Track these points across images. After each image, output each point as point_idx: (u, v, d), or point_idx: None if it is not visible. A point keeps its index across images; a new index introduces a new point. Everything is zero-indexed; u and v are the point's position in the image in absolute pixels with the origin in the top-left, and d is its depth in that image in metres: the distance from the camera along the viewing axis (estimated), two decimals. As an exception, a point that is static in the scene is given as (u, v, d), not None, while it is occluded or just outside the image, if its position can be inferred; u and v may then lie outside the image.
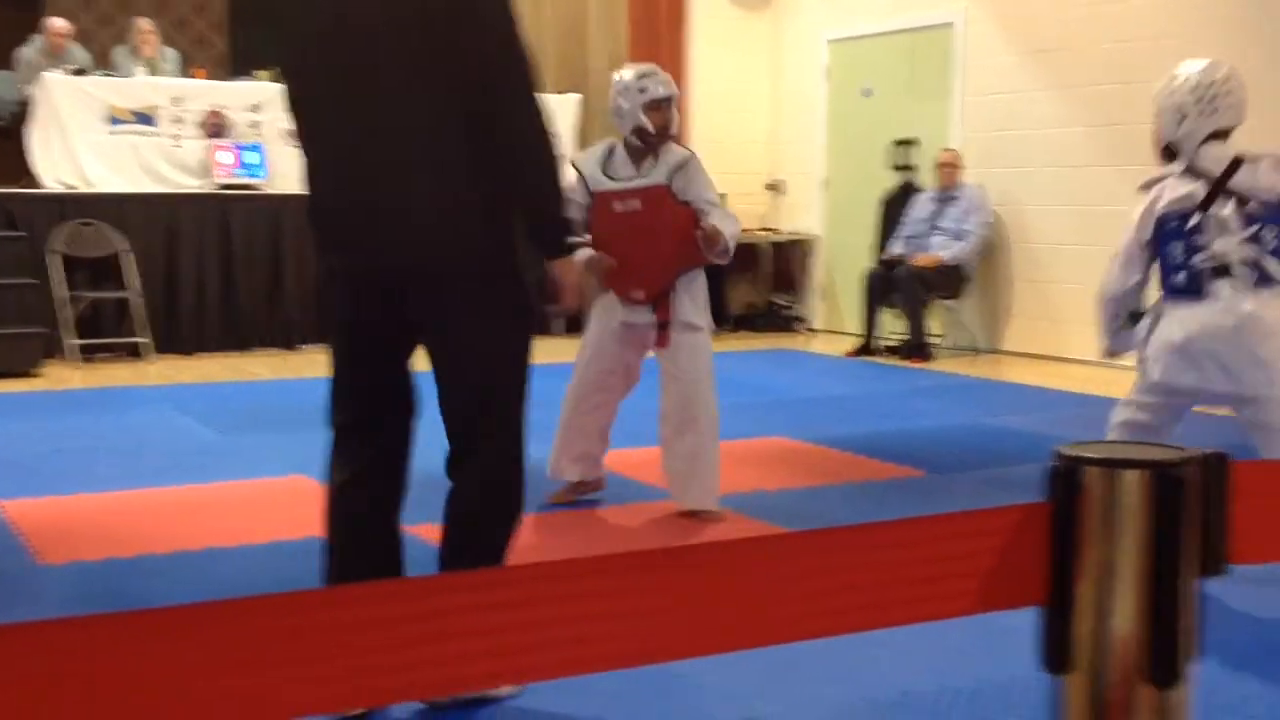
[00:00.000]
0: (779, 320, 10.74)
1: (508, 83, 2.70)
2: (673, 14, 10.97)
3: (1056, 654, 1.08)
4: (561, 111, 10.50)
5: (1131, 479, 1.08)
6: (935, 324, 9.20)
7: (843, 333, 10.19)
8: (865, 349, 9.09)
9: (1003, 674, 3.09)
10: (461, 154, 2.69)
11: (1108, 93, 8.36)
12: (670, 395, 4.59)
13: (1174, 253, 3.62)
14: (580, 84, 10.87)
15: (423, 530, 4.42)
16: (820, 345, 9.91)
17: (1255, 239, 3.56)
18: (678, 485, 4.62)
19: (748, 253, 10.87)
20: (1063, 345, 8.66)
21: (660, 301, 4.50)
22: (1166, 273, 3.68)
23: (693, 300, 4.53)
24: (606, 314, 4.62)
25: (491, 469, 2.92)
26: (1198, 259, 3.58)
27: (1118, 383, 7.59)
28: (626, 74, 4.61)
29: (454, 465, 2.95)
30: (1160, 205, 3.63)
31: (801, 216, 10.87)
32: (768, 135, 10.99)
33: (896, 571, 1.12)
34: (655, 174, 4.47)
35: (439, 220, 2.73)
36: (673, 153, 4.52)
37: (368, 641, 0.99)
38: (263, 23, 2.93)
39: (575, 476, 4.78)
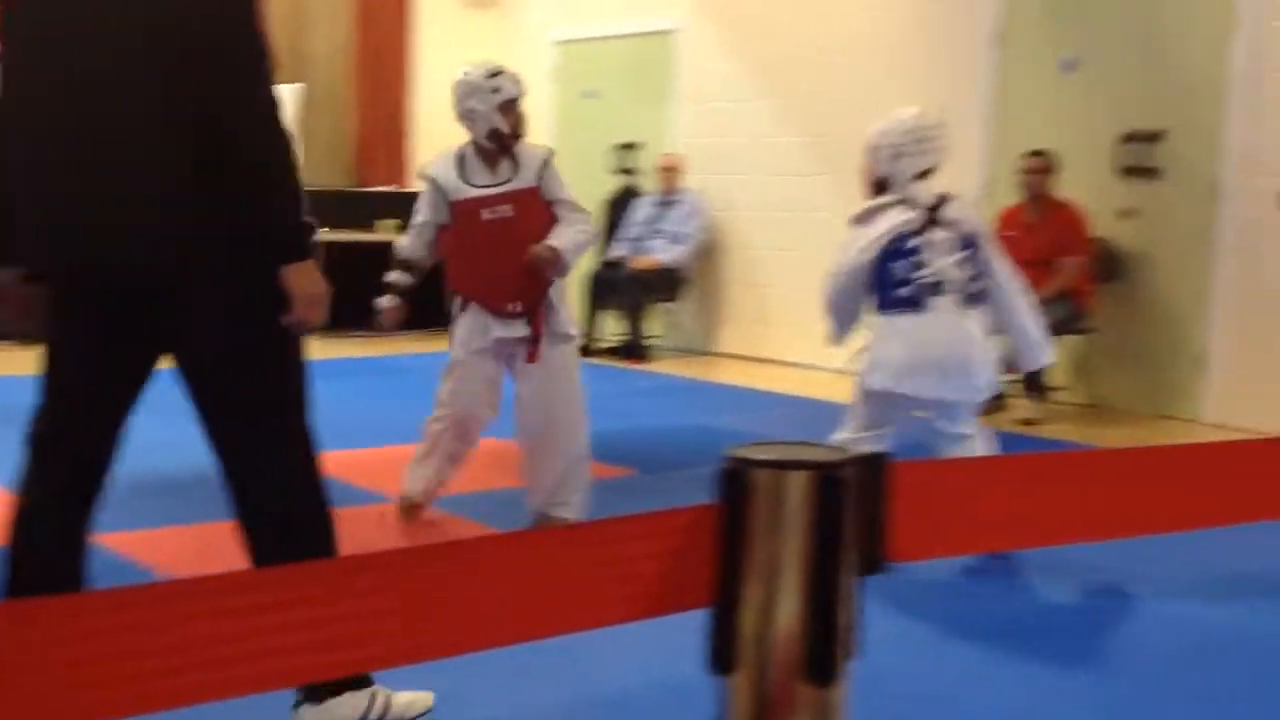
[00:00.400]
0: (503, 320, 10.70)
1: (239, 74, 2.51)
2: (397, 7, 10.79)
3: (721, 655, 1.08)
4: (283, 102, 10.17)
5: (796, 480, 1.09)
6: (654, 326, 9.35)
7: (566, 333, 10.24)
8: (585, 350, 9.15)
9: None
10: (191, 147, 2.49)
11: (819, 105, 8.67)
12: (535, 411, 4.34)
13: (898, 270, 3.99)
14: (301, 74, 10.56)
15: (114, 539, 4.18)
16: (543, 345, 9.91)
17: (965, 262, 4.02)
18: (542, 496, 4.41)
19: (472, 252, 10.79)
20: (775, 348, 8.93)
21: (535, 312, 4.26)
22: (887, 287, 4.01)
23: (564, 308, 4.33)
24: (472, 335, 4.33)
25: (289, 504, 2.68)
26: (919, 275, 3.97)
27: (827, 385, 7.89)
28: (474, 74, 4.33)
29: (241, 502, 2.70)
30: (884, 229, 4.02)
31: (526, 216, 10.86)
32: (492, 134, 10.93)
33: (568, 577, 1.10)
34: (523, 175, 4.25)
35: (175, 215, 2.49)
36: (531, 152, 4.31)
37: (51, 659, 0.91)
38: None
39: (422, 499, 4.54)
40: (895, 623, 3.55)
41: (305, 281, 2.58)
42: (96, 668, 0.95)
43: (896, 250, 3.99)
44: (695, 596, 1.12)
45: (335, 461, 5.29)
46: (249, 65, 2.53)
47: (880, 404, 4.03)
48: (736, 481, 1.11)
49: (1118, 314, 7.11)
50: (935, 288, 3.96)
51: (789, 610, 1.08)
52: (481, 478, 5.25)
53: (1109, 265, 7.04)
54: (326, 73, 10.77)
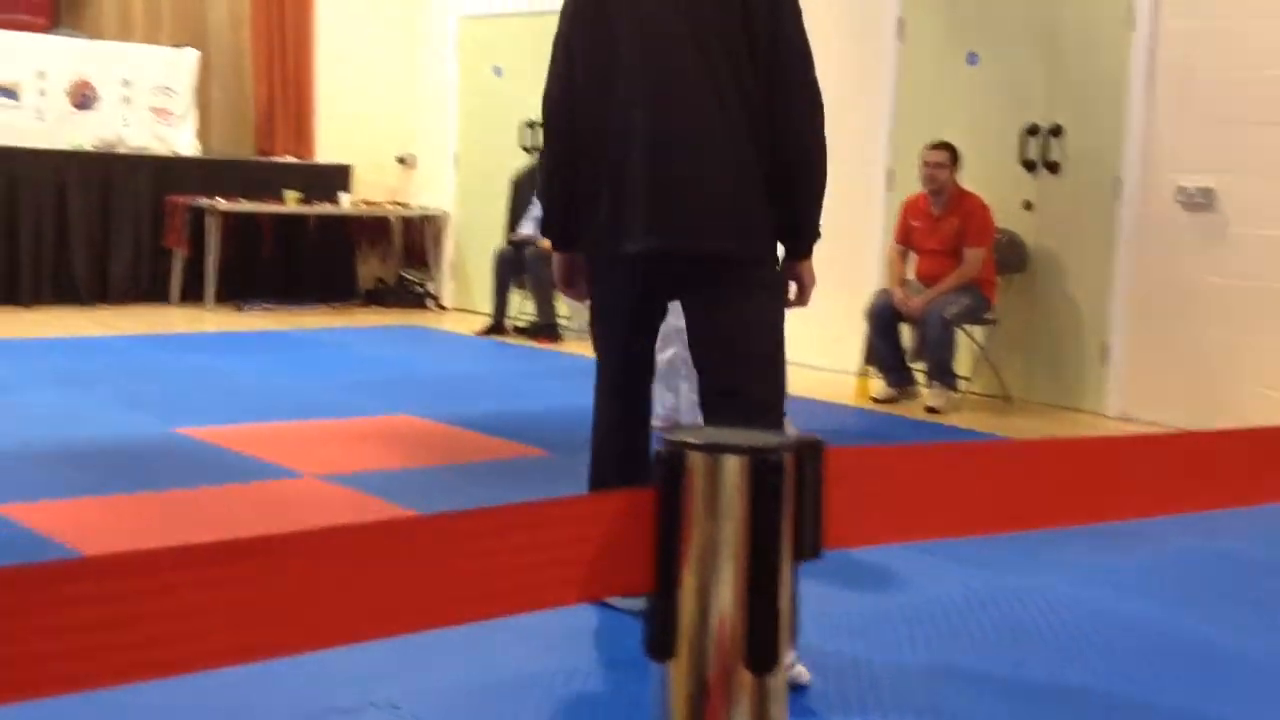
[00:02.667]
0: (409, 296, 10.60)
1: (803, 99, 3.01)
2: (301, -23, 10.60)
3: (659, 641, 1.08)
4: (179, 67, 9.95)
5: (732, 464, 1.08)
6: (563, 306, 9.32)
7: (474, 311, 10.17)
8: (495, 328, 9.10)
9: (621, 653, 3.15)
10: (758, 155, 3.00)
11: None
12: None
13: None
14: (199, 39, 10.33)
15: (16, 510, 4.07)
16: (451, 323, 9.85)
17: None
18: None
19: (378, 226, 10.66)
20: (684, 329, 8.95)
21: None
22: None
23: None
24: None
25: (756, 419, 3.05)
26: None
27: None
28: None
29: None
30: None
31: (433, 191, 10.76)
32: (398, 108, 10.79)
33: (499, 560, 1.09)
34: None
35: (749, 211, 3.01)
36: None
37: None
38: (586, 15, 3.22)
39: None
40: (828, 606, 3.58)
41: (810, 272, 3.18)
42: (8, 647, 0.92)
43: None
44: (630, 581, 1.11)
45: (247, 435, 5.23)
46: (808, 96, 3.02)
47: None
48: (673, 465, 1.10)
49: (1021, 305, 7.24)
50: None
51: (727, 596, 1.07)
52: (392, 456, 5.20)
53: (1012, 257, 7.16)
54: (227, 40, 10.55)
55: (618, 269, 3.14)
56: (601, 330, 3.32)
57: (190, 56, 10.02)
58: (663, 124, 2.99)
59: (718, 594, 1.08)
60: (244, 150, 10.55)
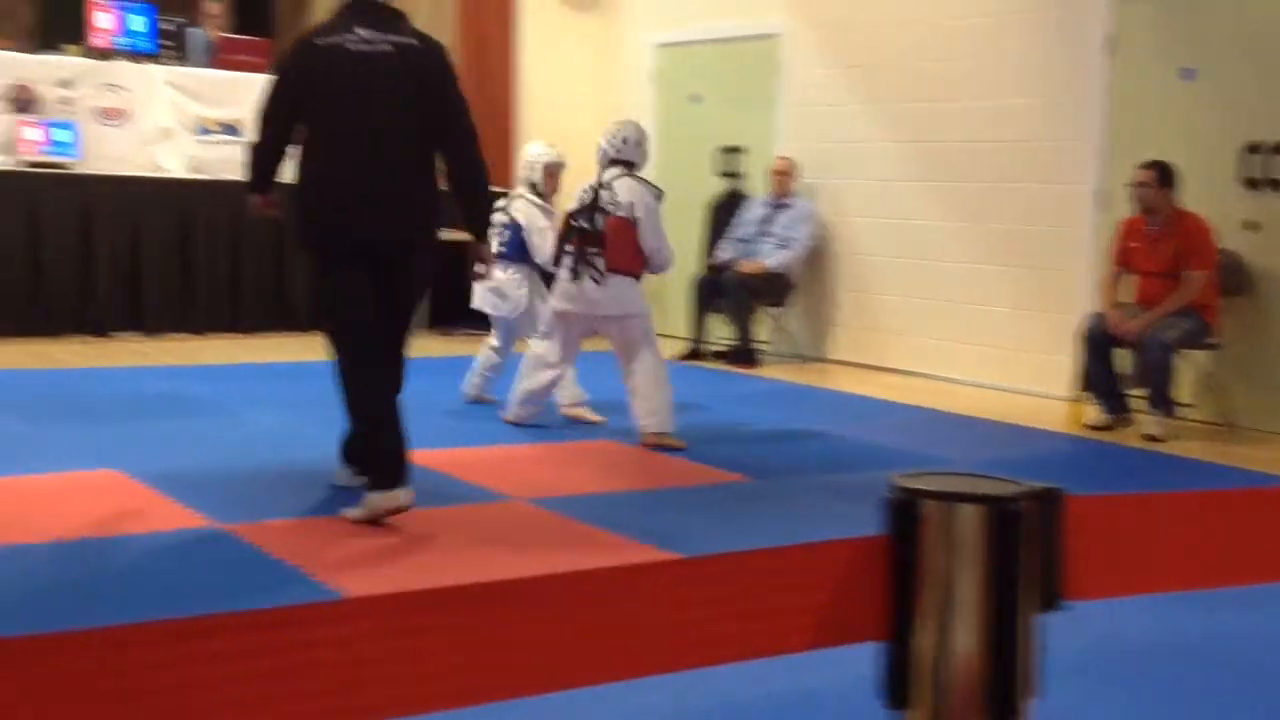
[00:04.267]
0: (607, 321, 10.71)
1: (467, 134, 4.50)
2: (501, 10, 10.85)
3: (897, 689, 1.06)
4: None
5: (968, 513, 1.06)
6: (762, 331, 9.30)
7: (672, 336, 10.22)
8: (694, 354, 9.13)
9: (826, 683, 3.12)
10: (432, 175, 4.50)
11: (916, 111, 8.56)
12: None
13: None
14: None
15: (245, 530, 4.27)
16: (648, 348, 9.91)
17: None
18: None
19: (578, 253, 10.83)
20: (884, 355, 8.84)
21: None
22: None
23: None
24: None
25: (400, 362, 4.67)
26: None
27: (936, 392, 7.78)
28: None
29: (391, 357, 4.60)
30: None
31: (632, 218, 10.86)
32: (598, 136, 10.93)
33: (733, 605, 1.09)
34: None
35: (421, 215, 4.52)
36: None
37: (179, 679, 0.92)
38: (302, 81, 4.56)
39: None
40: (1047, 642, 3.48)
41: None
42: (263, 684, 0.96)
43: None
44: (864, 628, 1.10)
45: (456, 459, 5.37)
46: (467, 123, 4.50)
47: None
48: (906, 513, 1.09)
49: (1245, 329, 6.91)
50: None
51: (966, 646, 1.05)
52: (595, 480, 5.26)
53: (1235, 279, 6.85)
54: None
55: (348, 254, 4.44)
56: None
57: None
58: (377, 164, 4.39)
59: (956, 644, 1.06)
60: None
